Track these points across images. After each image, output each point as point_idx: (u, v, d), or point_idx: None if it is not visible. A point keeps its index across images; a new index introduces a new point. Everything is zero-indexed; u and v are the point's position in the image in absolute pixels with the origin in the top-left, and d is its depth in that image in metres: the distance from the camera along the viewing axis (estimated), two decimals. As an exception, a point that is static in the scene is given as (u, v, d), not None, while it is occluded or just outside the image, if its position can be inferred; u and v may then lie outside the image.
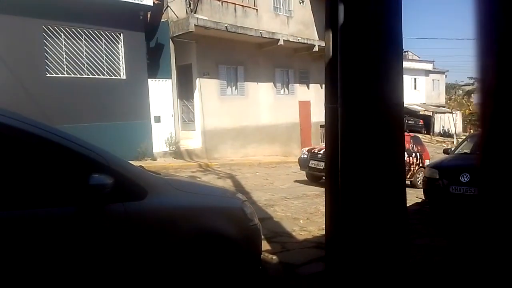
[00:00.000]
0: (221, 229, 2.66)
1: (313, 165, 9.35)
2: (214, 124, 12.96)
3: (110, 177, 2.08)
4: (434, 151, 17.42)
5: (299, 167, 10.05)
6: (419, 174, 10.23)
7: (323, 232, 3.00)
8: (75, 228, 2.05)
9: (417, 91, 30.69)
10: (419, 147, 10.71)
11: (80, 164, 2.12)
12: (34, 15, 8.89)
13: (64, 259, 2.00)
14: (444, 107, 32.58)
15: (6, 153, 2.02)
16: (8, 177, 1.99)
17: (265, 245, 4.20)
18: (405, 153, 8.79)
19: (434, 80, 33.51)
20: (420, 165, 10.43)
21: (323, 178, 7.64)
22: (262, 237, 3.19)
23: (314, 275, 3.64)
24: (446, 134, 27.84)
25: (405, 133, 9.66)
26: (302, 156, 9.89)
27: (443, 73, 35.25)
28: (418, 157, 10.49)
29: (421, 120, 26.94)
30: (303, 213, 6.43)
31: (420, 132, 25.46)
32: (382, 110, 2.14)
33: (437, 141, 23.41)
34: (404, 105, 2.36)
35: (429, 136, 24.66)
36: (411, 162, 10.09)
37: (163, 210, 2.41)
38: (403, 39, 2.24)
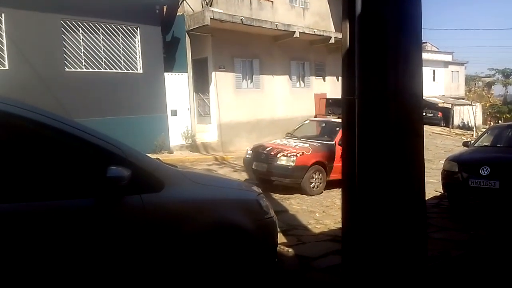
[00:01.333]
0: (237, 222, 2.67)
1: (256, 167, 7.73)
2: (229, 117, 12.98)
3: (127, 169, 2.10)
4: (453, 143, 17.10)
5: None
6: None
7: (339, 225, 2.98)
8: (94, 219, 2.08)
9: (436, 83, 30.06)
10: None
11: (98, 157, 2.15)
12: (53, 10, 9.03)
13: (84, 249, 2.03)
14: (463, 99, 31.83)
15: (27, 146, 2.07)
16: (30, 169, 2.03)
17: (281, 238, 4.20)
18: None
19: (454, 72, 32.74)
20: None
21: (273, 181, 7.34)
22: (278, 229, 3.19)
23: (331, 268, 3.63)
24: (465, 127, 27.23)
25: None
26: (247, 156, 8.23)
27: (462, 64, 34.40)
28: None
29: (440, 113, 26.40)
30: (319, 206, 6.40)
31: (439, 125, 24.94)
32: (401, 101, 2.09)
33: (456, 133, 22.92)
34: (423, 97, 2.31)
35: (448, 129, 24.16)
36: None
37: (180, 202, 2.43)
38: (422, 30, 2.18)
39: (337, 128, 7.97)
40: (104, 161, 2.09)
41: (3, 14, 8.48)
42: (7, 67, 8.53)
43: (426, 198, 2.47)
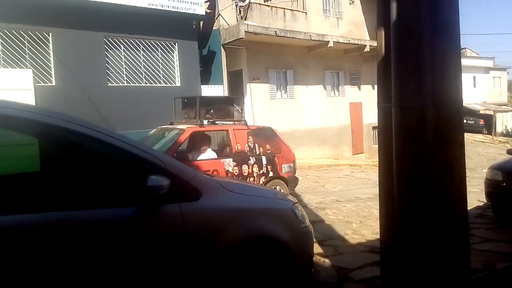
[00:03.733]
0: (273, 231, 2.67)
1: None
2: (265, 127, 13.04)
3: (166, 179, 2.16)
4: (496, 151, 16.30)
5: (351, 170, 9.15)
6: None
7: (377, 236, 2.92)
8: (135, 227, 2.14)
9: (477, 89, 28.85)
10: (269, 146, 6.75)
11: (139, 166, 2.23)
12: (96, 28, 9.54)
13: (125, 256, 2.11)
14: (506, 105, 30.29)
15: (73, 156, 2.19)
16: (76, 178, 2.14)
17: (317, 248, 4.16)
18: (236, 158, 6.14)
19: (495, 78, 31.31)
20: (271, 174, 6.54)
21: None
22: (314, 240, 3.17)
23: (368, 280, 3.55)
24: (509, 134, 25.83)
25: (239, 125, 6.58)
26: None
27: (504, 69, 32.83)
28: (265, 162, 6.51)
29: (481, 120, 25.25)
30: (355, 216, 6.28)
31: (480, 132, 23.84)
32: (439, 108, 2.05)
33: (500, 141, 21.80)
34: (463, 104, 2.25)
35: (491, 137, 23.03)
36: (249, 172, 6.27)
37: (217, 211, 2.47)
38: (460, 35, 2.14)
39: (206, 139, 6.18)
40: (144, 171, 2.16)
41: (50, 33, 9.06)
42: (54, 83, 9.06)
43: (468, 208, 2.38)
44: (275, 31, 12.20)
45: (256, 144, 6.58)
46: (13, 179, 2.05)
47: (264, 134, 6.94)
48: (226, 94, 12.38)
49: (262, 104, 13.14)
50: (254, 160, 6.38)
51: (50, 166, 2.11)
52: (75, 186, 2.11)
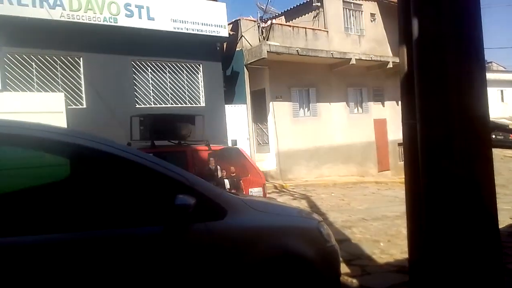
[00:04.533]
0: (298, 250, 2.66)
1: None
2: (288, 145, 13.06)
3: (193, 198, 2.20)
4: (528, 168, 15.66)
5: (377, 187, 8.89)
6: None
7: (406, 256, 2.86)
8: (163, 246, 2.17)
9: (505, 104, 27.96)
10: (234, 168, 6.20)
11: (166, 185, 2.28)
12: (125, 53, 9.93)
13: (154, 275, 2.14)
14: (535, 119, 29.10)
15: (104, 177, 2.27)
16: (107, 198, 2.21)
17: (344, 268, 4.09)
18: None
19: (523, 91, 30.28)
20: None
21: None
22: (341, 259, 3.12)
23: (398, 301, 3.44)
24: (540, 148, 24.69)
25: (200, 145, 6.22)
26: None
27: (532, 83, 31.72)
28: (228, 187, 6.04)
29: (511, 135, 24.33)
30: (383, 235, 6.14)
31: (511, 148, 22.94)
32: (466, 124, 2.02)
33: (532, 156, 20.89)
34: (491, 119, 2.21)
35: (522, 152, 22.10)
36: None
37: (242, 229, 2.48)
38: (484, 49, 2.12)
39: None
40: (171, 190, 2.21)
41: (81, 58, 9.49)
42: (84, 106, 9.43)
43: (500, 226, 2.31)
44: (297, 50, 12.34)
45: (219, 167, 6.11)
46: (48, 200, 2.14)
47: (229, 156, 6.39)
48: (250, 113, 12.51)
49: (285, 122, 13.19)
50: (215, 184, 5.51)
51: (82, 186, 2.19)
52: (105, 206, 2.17)
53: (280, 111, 13.11)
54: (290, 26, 13.99)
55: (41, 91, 8.92)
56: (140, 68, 10.37)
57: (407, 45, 2.44)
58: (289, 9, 16.14)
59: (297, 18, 15.58)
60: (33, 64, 8.97)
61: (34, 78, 8.97)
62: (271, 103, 12.94)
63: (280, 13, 16.22)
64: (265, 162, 13.04)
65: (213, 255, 2.31)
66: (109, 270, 2.03)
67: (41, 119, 7.50)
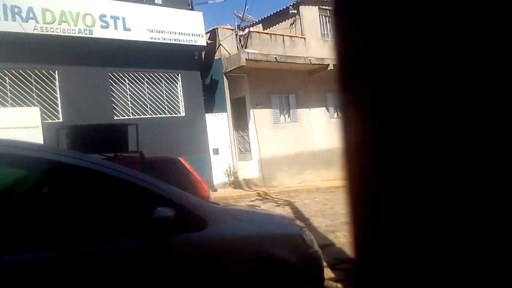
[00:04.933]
0: (281, 257, 2.67)
1: None
2: (269, 152, 13.09)
3: (172, 209, 2.17)
4: None
5: None
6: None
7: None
8: (143, 261, 2.13)
9: None
10: (172, 180, 4.13)
11: (144, 198, 2.25)
12: (101, 64, 9.80)
13: None
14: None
15: (80, 192, 2.22)
16: (83, 214, 2.17)
17: (328, 273, 4.10)
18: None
19: None
20: None
21: None
22: (325, 264, 3.14)
23: (382, 303, 3.47)
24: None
25: (131, 158, 5.75)
26: None
27: None
28: None
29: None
30: (366, 238, 6.19)
31: None
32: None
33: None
34: None
35: None
36: None
37: (224, 239, 2.47)
38: None
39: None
40: (150, 202, 2.18)
41: (56, 71, 9.31)
42: (61, 119, 9.23)
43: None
44: (275, 57, 12.44)
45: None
46: (24, 217, 2.08)
47: (167, 168, 5.85)
48: (230, 121, 12.50)
49: (266, 129, 13.23)
50: None
51: (58, 204, 2.14)
52: (83, 222, 2.13)
53: (260, 118, 13.15)
54: (267, 33, 14.10)
55: (15, 106, 8.70)
56: (118, 79, 10.25)
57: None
58: (266, 17, 16.28)
59: (274, 26, 15.73)
60: (7, 78, 8.75)
61: (8, 93, 8.75)
62: (251, 110, 12.97)
63: (257, 21, 16.34)
64: (247, 169, 13.03)
65: (195, 266, 2.29)
66: (88, 288, 1.97)
67: (16, 134, 7.33)
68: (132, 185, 2.23)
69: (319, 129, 14.80)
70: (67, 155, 2.17)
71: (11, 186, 2.18)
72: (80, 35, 9.37)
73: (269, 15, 16.07)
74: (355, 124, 0.69)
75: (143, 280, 2.12)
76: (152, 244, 2.17)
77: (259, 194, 11.09)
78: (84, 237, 2.05)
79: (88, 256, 2.00)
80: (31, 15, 8.75)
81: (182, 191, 2.46)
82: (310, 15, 14.97)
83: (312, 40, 14.88)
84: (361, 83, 0.66)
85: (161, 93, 10.97)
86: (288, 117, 14.17)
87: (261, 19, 16.43)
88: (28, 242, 1.92)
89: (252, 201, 10.15)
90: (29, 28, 8.70)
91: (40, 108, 8.84)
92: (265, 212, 4.13)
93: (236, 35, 13.04)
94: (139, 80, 10.58)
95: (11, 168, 2.14)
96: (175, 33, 10.90)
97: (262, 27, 15.72)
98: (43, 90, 9.17)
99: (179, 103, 11.28)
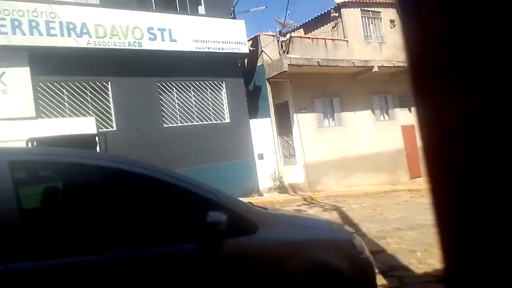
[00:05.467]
0: (332, 263, 2.63)
1: None
2: (314, 156, 12.97)
3: (224, 214, 2.22)
4: None
5: (410, 195, 8.83)
6: None
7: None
8: (199, 262, 2.21)
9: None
10: None
11: (198, 203, 2.33)
12: (150, 74, 10.24)
13: None
14: None
15: (138, 198, 2.33)
16: (143, 218, 2.27)
17: (380, 280, 3.99)
18: None
19: None
20: None
21: None
22: (376, 271, 3.06)
23: (439, 313, 3.32)
24: None
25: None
26: None
27: None
28: None
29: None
30: (419, 244, 5.95)
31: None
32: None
33: None
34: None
35: None
36: None
37: (274, 244, 2.48)
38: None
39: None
40: (203, 207, 2.25)
41: (109, 82, 9.83)
42: (115, 128, 9.72)
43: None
44: (318, 61, 12.36)
45: None
46: (97, 222, 2.20)
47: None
48: (274, 126, 12.55)
49: (310, 133, 13.14)
50: None
51: (119, 210, 2.25)
52: (140, 226, 2.22)
53: (304, 122, 13.08)
54: (309, 38, 14.04)
55: (73, 116, 9.27)
56: (166, 88, 10.65)
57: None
58: (307, 21, 16.21)
59: (316, 30, 15.62)
60: (64, 91, 9.35)
61: (66, 104, 9.35)
62: (295, 115, 12.94)
63: (298, 26, 16.31)
64: (292, 174, 12.99)
65: (247, 270, 2.32)
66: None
67: (76, 143, 7.77)
68: (186, 190, 2.31)
69: (365, 133, 14.46)
70: (136, 165, 2.27)
71: (87, 192, 2.32)
72: (130, 47, 9.86)
73: (310, 19, 15.99)
74: (441, 125, 0.63)
75: (199, 280, 2.18)
76: (207, 246, 2.23)
77: (305, 199, 11.01)
78: (148, 239, 2.16)
79: (153, 257, 2.10)
80: (84, 31, 9.33)
81: (232, 196, 2.51)
82: (352, 17, 14.73)
83: (355, 42, 14.62)
84: (450, 82, 0.61)
85: (207, 100, 11.26)
86: (332, 120, 13.98)
87: (302, 23, 16.39)
88: (108, 243, 2.07)
89: (298, 206, 10.09)
90: (83, 42, 9.28)
91: (95, 117, 9.36)
92: (313, 218, 4.10)
93: (278, 41, 13.10)
94: (186, 88, 10.93)
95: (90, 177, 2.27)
96: (218, 42, 11.17)
97: (303, 32, 15.67)
98: (98, 101, 9.71)
99: (223, 110, 11.52)
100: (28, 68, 8.76)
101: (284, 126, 13.29)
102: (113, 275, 1.99)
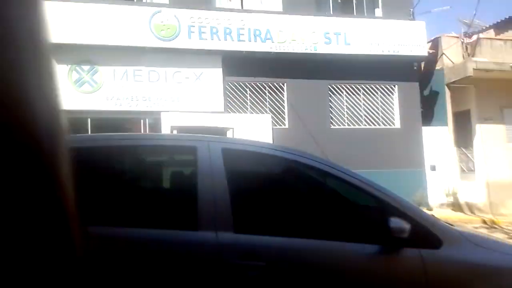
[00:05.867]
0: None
1: None
2: (500, 175, 11.21)
3: (407, 222, 2.20)
4: None
5: None
6: None
7: None
8: (377, 264, 2.26)
9: None
10: None
11: (380, 207, 2.37)
12: (322, 77, 10.60)
13: None
14: None
15: (327, 193, 2.52)
16: (335, 213, 2.46)
17: None
18: None
19: None
20: None
21: None
22: None
23: None
24: None
25: None
26: None
27: None
28: None
29: None
30: None
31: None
32: None
33: None
34: None
35: None
36: None
37: (459, 263, 2.33)
38: None
39: None
40: (385, 212, 2.27)
41: (285, 84, 10.57)
42: (287, 126, 10.43)
43: None
44: (511, 66, 10.62)
45: None
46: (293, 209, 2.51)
47: None
48: (451, 136, 11.38)
49: (496, 148, 11.41)
50: None
51: (300, 200, 2.50)
52: (332, 220, 2.44)
53: (489, 135, 11.43)
54: (501, 39, 12.17)
55: (252, 113, 10.33)
56: (336, 91, 10.84)
57: None
58: (498, 21, 13.99)
59: (509, 31, 13.39)
60: (247, 90, 10.49)
61: (248, 101, 10.48)
62: (478, 125, 11.45)
63: (487, 26, 14.26)
64: (470, 191, 11.52)
65: (426, 283, 2.25)
66: (327, 277, 2.22)
67: (251, 137, 8.70)
68: (367, 192, 2.38)
69: None
70: (335, 168, 2.48)
71: (291, 185, 2.68)
72: (306, 51, 10.38)
73: (502, 19, 13.76)
74: None
75: (373, 281, 2.23)
76: (387, 251, 2.25)
77: (484, 222, 9.69)
78: (334, 233, 2.34)
79: (340, 251, 2.27)
80: (268, 36, 10.25)
81: (416, 206, 2.46)
82: None
83: None
84: None
85: (376, 104, 10.99)
86: (527, 135, 11.83)
87: (492, 24, 14.24)
88: (301, 230, 2.34)
89: (475, 228, 8.92)
90: (267, 47, 10.22)
91: (271, 115, 10.22)
92: (507, 243, 3.62)
93: (462, 42, 11.80)
94: (355, 91, 10.90)
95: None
96: (394, 45, 10.76)
97: (493, 33, 13.63)
98: (274, 100, 10.58)
99: (394, 115, 11.04)
100: (221, 69, 10.14)
101: (463, 137, 11.90)
102: (306, 258, 2.21)
